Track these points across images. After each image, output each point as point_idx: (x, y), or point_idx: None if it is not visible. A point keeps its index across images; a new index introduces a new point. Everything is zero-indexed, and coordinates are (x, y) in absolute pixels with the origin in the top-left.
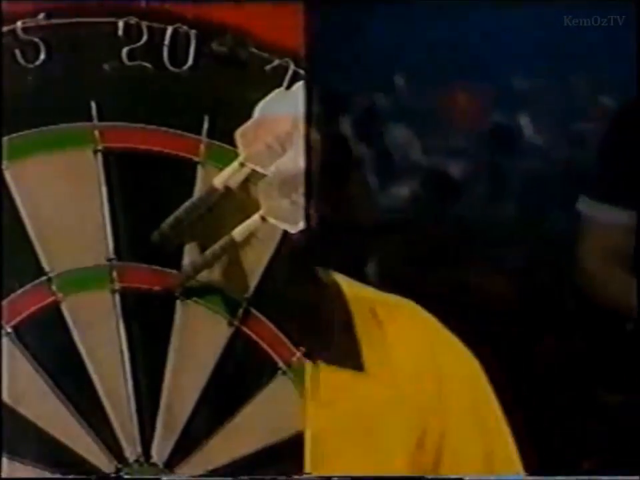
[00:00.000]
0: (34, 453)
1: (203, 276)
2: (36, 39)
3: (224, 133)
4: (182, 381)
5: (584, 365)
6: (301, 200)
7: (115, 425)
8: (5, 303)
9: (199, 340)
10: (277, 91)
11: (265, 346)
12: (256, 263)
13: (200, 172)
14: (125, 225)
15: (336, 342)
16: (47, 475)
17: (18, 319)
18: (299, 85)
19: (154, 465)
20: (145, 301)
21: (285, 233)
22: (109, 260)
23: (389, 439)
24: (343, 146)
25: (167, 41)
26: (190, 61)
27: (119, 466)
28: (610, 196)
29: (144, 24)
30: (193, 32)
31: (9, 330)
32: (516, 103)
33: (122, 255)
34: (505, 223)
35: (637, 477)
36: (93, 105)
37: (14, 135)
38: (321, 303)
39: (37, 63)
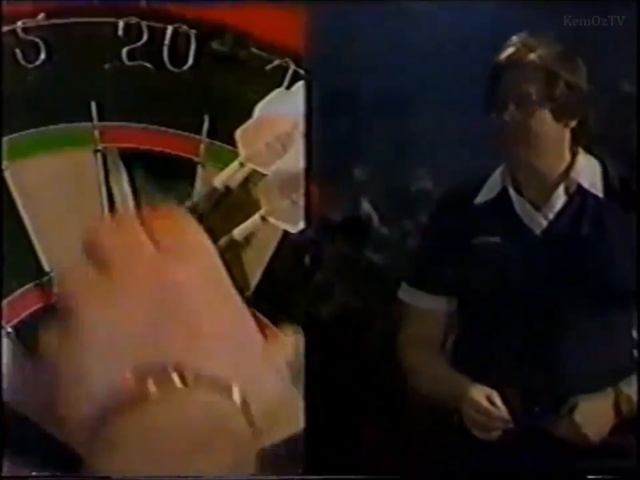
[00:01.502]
0: (34, 453)
1: None
2: (36, 39)
3: (224, 133)
4: None
5: (410, 454)
6: (301, 200)
7: None
8: (4, 302)
9: None
10: (277, 90)
11: None
12: (256, 262)
13: (200, 172)
14: None
15: None
16: (47, 474)
17: (18, 319)
18: (299, 85)
19: None
20: None
21: (285, 232)
22: None
23: None
24: None
25: (167, 41)
26: (190, 61)
27: None
28: (425, 283)
29: (144, 24)
30: (193, 32)
31: (9, 330)
32: (361, 193)
33: None
34: (352, 314)
35: None
36: (93, 105)
37: (14, 135)
38: None
39: (37, 62)
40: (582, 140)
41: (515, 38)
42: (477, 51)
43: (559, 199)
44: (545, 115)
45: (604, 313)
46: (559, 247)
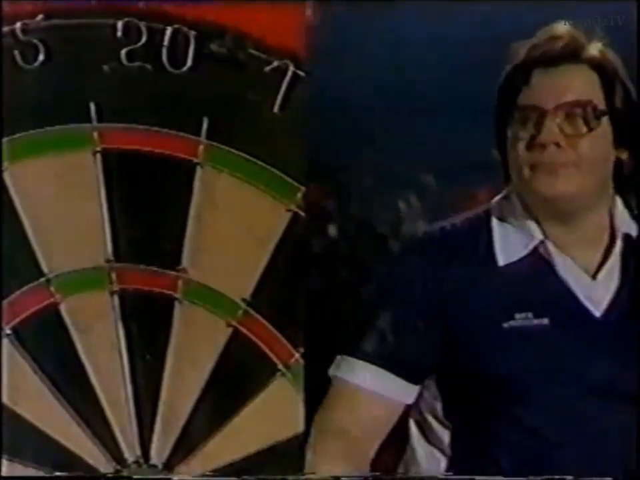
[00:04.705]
0: (33, 454)
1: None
2: (35, 40)
3: (223, 135)
4: (181, 382)
5: None
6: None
7: (114, 425)
8: (4, 304)
9: (197, 341)
10: None
11: (263, 347)
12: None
13: (199, 173)
14: (124, 226)
15: None
16: (46, 475)
17: (17, 320)
18: None
19: (153, 466)
20: (144, 302)
21: (285, 232)
22: (108, 261)
23: None
24: None
25: (166, 42)
26: (189, 62)
27: (118, 467)
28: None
29: (143, 25)
30: (192, 33)
31: (9, 331)
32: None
33: (121, 256)
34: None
35: None
36: (92, 106)
37: (14, 136)
38: None
39: (36, 64)
40: (629, 176)
41: (557, 28)
42: (480, 53)
43: (614, 258)
44: (607, 134)
45: None
46: (625, 335)
